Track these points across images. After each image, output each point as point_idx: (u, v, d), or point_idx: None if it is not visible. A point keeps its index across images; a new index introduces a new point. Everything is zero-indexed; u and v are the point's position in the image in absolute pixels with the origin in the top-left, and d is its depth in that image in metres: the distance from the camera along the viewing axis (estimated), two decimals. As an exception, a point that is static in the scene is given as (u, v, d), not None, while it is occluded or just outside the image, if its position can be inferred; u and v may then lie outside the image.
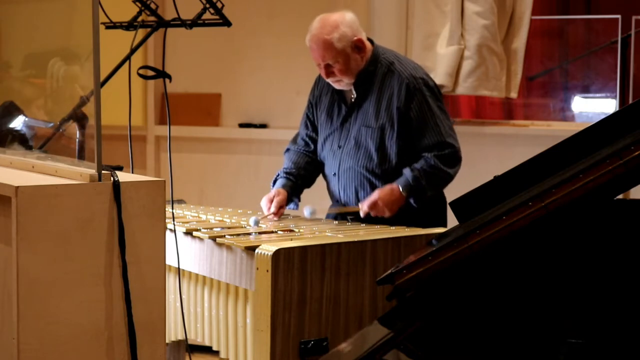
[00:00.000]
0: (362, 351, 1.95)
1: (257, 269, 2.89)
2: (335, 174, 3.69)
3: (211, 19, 3.26)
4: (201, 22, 3.26)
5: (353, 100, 3.63)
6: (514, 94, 5.00)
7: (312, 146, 3.80)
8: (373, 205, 3.50)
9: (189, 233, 3.28)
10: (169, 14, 3.73)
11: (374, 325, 2.16)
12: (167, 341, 3.10)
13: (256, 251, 2.90)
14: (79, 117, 2.95)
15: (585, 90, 5.61)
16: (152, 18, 3.33)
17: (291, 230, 3.28)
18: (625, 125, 2.02)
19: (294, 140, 3.86)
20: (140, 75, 3.23)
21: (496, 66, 4.89)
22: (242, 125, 5.48)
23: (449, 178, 3.58)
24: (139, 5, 3.30)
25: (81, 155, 2.91)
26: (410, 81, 3.54)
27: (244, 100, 5.50)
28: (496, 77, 4.90)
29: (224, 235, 3.13)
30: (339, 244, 2.98)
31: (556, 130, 4.95)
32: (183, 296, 3.31)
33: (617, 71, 4.82)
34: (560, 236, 2.09)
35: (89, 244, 2.52)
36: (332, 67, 3.54)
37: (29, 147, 3.15)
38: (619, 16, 4.93)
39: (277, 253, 2.85)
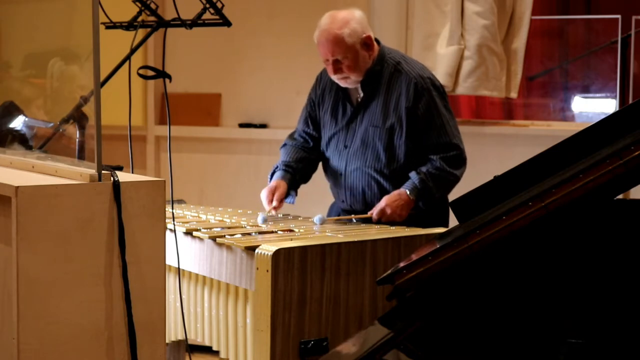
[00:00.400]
0: (362, 351, 1.95)
1: (257, 269, 2.89)
2: (341, 174, 3.67)
3: (211, 19, 3.26)
4: (201, 22, 3.26)
5: (360, 99, 3.62)
6: (514, 94, 5.00)
7: (310, 143, 3.79)
8: (382, 213, 3.49)
9: (189, 233, 3.28)
10: (169, 14, 3.73)
11: (374, 325, 2.16)
12: (167, 341, 3.10)
13: (256, 251, 2.90)
14: (79, 117, 2.95)
15: (585, 90, 5.61)
16: (152, 18, 3.33)
17: (291, 230, 3.28)
18: (625, 125, 2.03)
19: (292, 136, 3.85)
20: (140, 75, 3.23)
21: (496, 66, 4.89)
22: (242, 125, 5.48)
23: (456, 180, 3.58)
24: (139, 5, 3.30)
25: (81, 155, 2.91)
26: (418, 81, 3.54)
27: (244, 100, 5.50)
28: (496, 77, 4.90)
29: (224, 235, 3.13)
30: (339, 244, 2.98)
31: (556, 130, 4.95)
32: (183, 296, 3.31)
33: (617, 71, 4.82)
34: (560, 236, 2.09)
35: (89, 244, 2.52)
36: (340, 63, 3.52)
37: (29, 147, 3.15)
38: (619, 16, 4.93)
39: (277, 253, 2.85)
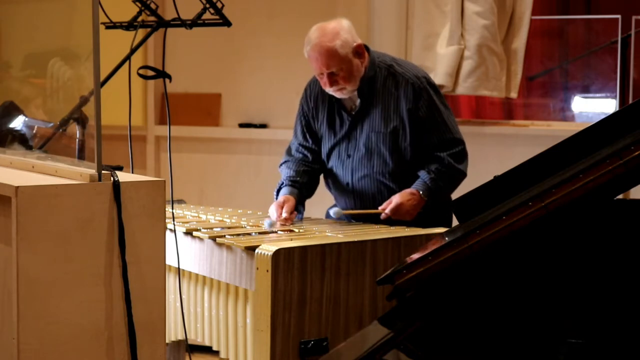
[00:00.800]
0: (362, 351, 1.95)
1: (257, 269, 2.89)
2: (348, 183, 3.64)
3: (211, 19, 3.26)
4: (201, 22, 3.26)
5: (355, 107, 3.59)
6: (514, 94, 5.00)
7: (310, 157, 3.72)
8: (396, 210, 3.47)
9: (189, 233, 3.28)
10: (169, 14, 3.73)
11: (374, 325, 2.16)
12: (167, 341, 3.10)
13: (256, 251, 2.90)
14: (79, 117, 2.95)
15: (585, 90, 5.61)
16: (152, 18, 3.33)
17: (291, 230, 3.28)
18: (625, 125, 2.02)
19: (289, 153, 3.78)
20: (140, 75, 3.23)
21: (496, 66, 4.89)
22: (242, 125, 5.48)
23: (463, 176, 3.59)
24: (139, 5, 3.30)
25: (81, 155, 2.91)
26: (414, 81, 3.53)
27: (244, 100, 5.50)
28: (496, 77, 4.90)
29: (224, 235, 3.13)
30: (339, 244, 2.98)
31: (556, 130, 4.95)
32: (183, 296, 3.31)
33: (617, 71, 4.82)
34: (560, 236, 2.09)
35: (89, 244, 2.52)
36: (335, 76, 3.47)
37: (29, 147, 3.15)
38: (619, 16, 4.93)
39: (277, 253, 2.85)
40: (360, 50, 3.53)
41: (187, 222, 3.44)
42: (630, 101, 4.82)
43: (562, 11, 5.95)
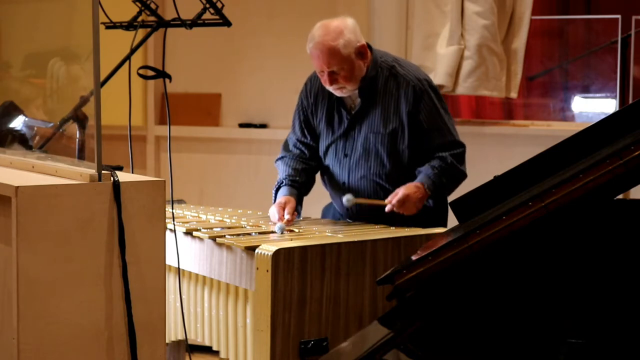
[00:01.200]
0: (362, 351, 1.95)
1: (257, 269, 2.89)
2: (344, 182, 3.62)
3: (211, 19, 3.26)
4: (201, 22, 3.26)
5: (355, 106, 3.58)
6: (514, 94, 5.00)
7: (307, 153, 3.71)
8: (403, 202, 3.43)
9: (189, 233, 3.28)
10: (169, 14, 3.73)
11: (374, 325, 2.16)
12: (167, 341, 3.10)
13: (256, 251, 2.90)
14: (79, 117, 2.95)
15: (585, 90, 5.61)
16: (152, 18, 3.33)
17: (291, 230, 3.28)
18: (625, 125, 2.03)
19: (287, 148, 3.76)
20: (140, 75, 3.23)
21: (496, 66, 4.89)
22: (242, 125, 5.48)
23: (464, 176, 3.58)
24: (139, 5, 3.30)
25: (81, 155, 2.91)
26: (415, 84, 3.52)
27: (244, 100, 5.50)
28: (496, 77, 4.90)
29: (224, 235, 3.13)
30: (339, 244, 2.98)
31: (556, 130, 4.95)
32: (183, 296, 3.31)
33: (617, 71, 4.82)
34: (560, 236, 2.09)
35: (89, 244, 2.52)
36: (336, 75, 3.45)
37: (29, 147, 3.15)
38: (619, 16, 4.93)
39: (277, 253, 2.85)
40: (363, 51, 3.50)
41: (187, 222, 3.44)
42: (630, 101, 4.82)
43: (562, 11, 5.95)
